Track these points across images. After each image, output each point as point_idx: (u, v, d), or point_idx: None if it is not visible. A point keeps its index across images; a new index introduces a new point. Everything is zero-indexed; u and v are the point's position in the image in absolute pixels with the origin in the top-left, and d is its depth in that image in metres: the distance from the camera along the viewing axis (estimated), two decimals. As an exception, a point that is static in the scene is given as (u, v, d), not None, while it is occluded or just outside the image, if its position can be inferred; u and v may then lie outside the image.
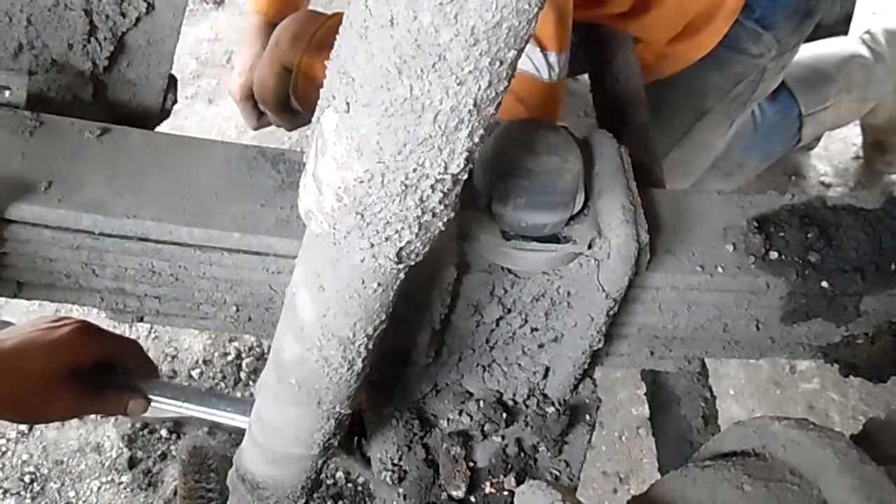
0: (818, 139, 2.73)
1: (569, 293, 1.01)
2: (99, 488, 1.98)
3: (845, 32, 2.56)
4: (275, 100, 1.55)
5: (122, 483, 1.99)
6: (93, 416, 2.06)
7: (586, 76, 1.79)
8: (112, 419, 2.06)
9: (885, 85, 2.51)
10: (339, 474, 2.04)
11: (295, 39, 1.47)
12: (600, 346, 1.05)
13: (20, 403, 1.20)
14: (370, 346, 0.82)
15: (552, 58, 1.36)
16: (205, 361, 2.19)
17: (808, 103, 2.43)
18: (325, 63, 1.37)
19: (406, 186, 0.63)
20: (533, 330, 1.06)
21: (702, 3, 1.79)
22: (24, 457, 2.00)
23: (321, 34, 1.43)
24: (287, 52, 1.48)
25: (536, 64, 1.36)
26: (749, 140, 2.38)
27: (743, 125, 2.32)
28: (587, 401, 1.14)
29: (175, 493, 1.93)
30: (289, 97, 1.53)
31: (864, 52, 2.50)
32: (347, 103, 0.60)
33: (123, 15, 1.11)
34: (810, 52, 2.46)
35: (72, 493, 1.97)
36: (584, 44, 1.79)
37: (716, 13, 1.83)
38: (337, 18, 1.44)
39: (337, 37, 0.61)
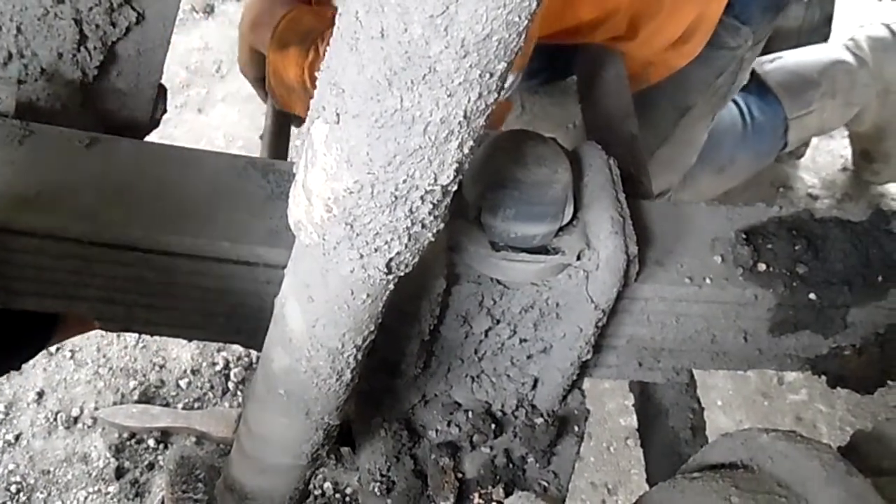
0: (806, 144, 2.75)
1: (558, 304, 1.02)
2: (86, 498, 1.97)
3: (827, 34, 2.60)
4: (252, 78, 1.67)
5: (109, 493, 1.98)
6: (81, 426, 2.06)
7: (575, 88, 1.80)
8: (99, 429, 2.05)
9: (868, 90, 2.54)
10: (328, 485, 2.03)
11: (254, 25, 1.54)
12: (589, 357, 1.05)
13: None
14: (359, 357, 0.82)
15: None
16: (193, 371, 2.18)
17: (791, 107, 2.46)
18: (287, 61, 1.36)
19: (396, 197, 0.63)
20: (522, 341, 1.06)
21: (687, 20, 1.80)
22: (11, 466, 1.99)
23: (281, 29, 1.48)
24: (248, 37, 1.56)
25: None
26: (739, 138, 2.41)
27: (731, 123, 2.35)
28: (576, 412, 1.15)
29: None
30: (262, 75, 1.61)
31: (848, 57, 2.53)
32: (337, 114, 0.60)
33: (113, 25, 1.11)
34: (794, 58, 2.50)
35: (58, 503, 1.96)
36: (571, 50, 1.80)
37: (699, 26, 1.85)
38: (296, 13, 1.48)
39: (326, 47, 0.61)
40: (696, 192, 2.38)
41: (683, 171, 2.25)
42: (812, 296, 1.08)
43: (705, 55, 1.94)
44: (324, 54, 1.36)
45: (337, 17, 0.58)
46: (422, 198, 0.63)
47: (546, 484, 1.11)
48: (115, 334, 2.17)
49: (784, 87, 2.45)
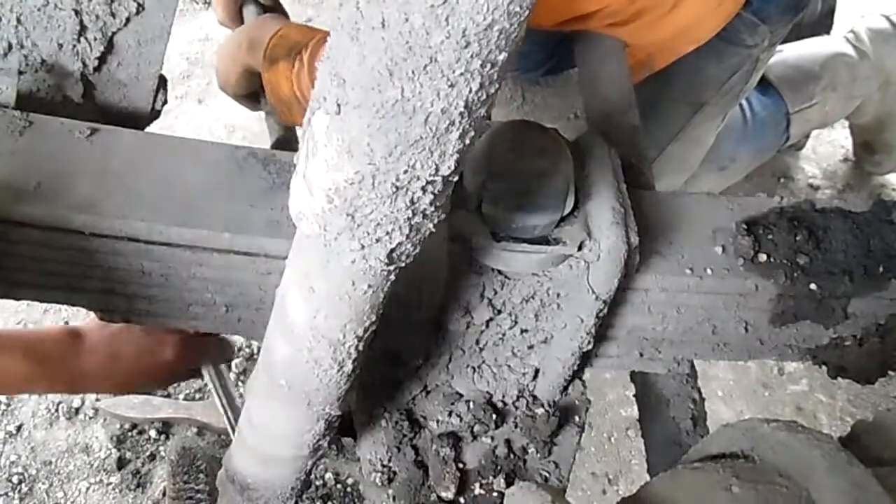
0: (807, 137, 2.75)
1: (559, 295, 1.02)
2: (87, 489, 1.97)
3: (830, 26, 2.59)
4: (234, 93, 1.67)
5: (110, 484, 1.98)
6: (82, 416, 2.06)
7: (577, 79, 1.79)
8: (101, 420, 2.05)
9: (869, 82, 2.54)
10: (329, 475, 2.04)
11: (252, 46, 1.55)
12: (590, 347, 1.05)
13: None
14: (360, 348, 0.82)
15: None
16: (194, 362, 2.18)
17: (793, 101, 2.45)
18: (279, 77, 1.37)
19: (397, 188, 0.63)
20: (523, 331, 1.06)
21: (695, 10, 1.79)
22: (13, 458, 1.99)
23: (271, 47, 1.50)
24: (246, 57, 1.57)
25: None
26: (740, 134, 2.40)
27: (733, 119, 2.34)
28: (576, 402, 1.15)
29: (164, 494, 1.92)
30: (250, 92, 1.64)
31: (849, 50, 2.52)
32: (338, 105, 0.60)
33: (114, 15, 1.11)
34: (795, 51, 2.49)
35: (60, 494, 1.96)
36: (573, 41, 1.79)
37: (709, 16, 1.83)
38: (284, 30, 1.50)
39: (323, 42, 0.61)
40: (698, 191, 2.37)
41: (690, 171, 2.25)
42: (813, 286, 1.08)
43: (721, 50, 1.93)
44: (308, 64, 1.37)
45: (338, 7, 0.58)
46: (423, 188, 0.63)
47: (547, 474, 1.11)
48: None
49: (785, 81, 2.45)
